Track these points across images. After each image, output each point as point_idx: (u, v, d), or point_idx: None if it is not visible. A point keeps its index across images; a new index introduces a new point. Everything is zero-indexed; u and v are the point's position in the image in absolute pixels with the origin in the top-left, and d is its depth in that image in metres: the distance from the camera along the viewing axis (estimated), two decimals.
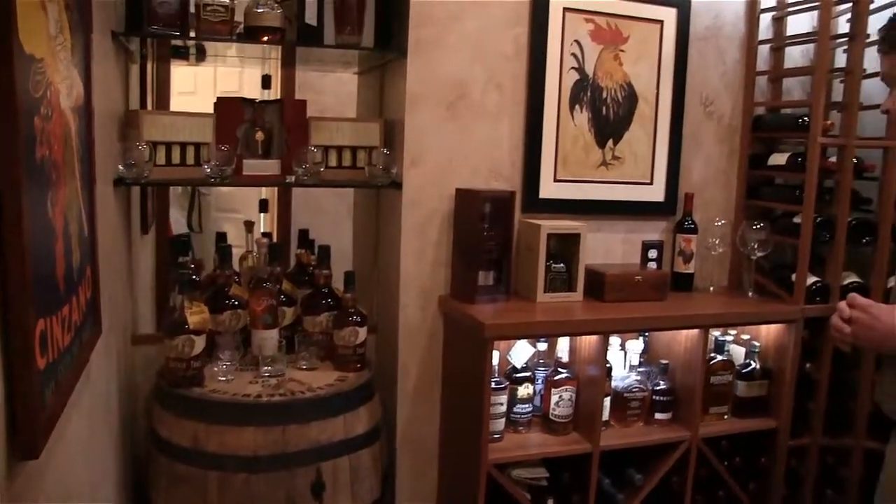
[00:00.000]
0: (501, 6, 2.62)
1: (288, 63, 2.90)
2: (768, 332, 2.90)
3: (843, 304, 1.73)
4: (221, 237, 2.68)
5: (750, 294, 2.89)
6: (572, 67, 2.74)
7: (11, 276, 0.99)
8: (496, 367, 2.46)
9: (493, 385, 2.42)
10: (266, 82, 2.77)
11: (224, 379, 2.26)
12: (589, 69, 2.76)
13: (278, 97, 2.80)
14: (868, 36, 2.73)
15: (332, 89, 3.12)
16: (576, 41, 2.73)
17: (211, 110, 2.50)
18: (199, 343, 2.20)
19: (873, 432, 2.83)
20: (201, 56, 2.84)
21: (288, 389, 2.23)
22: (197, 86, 3.25)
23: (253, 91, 2.83)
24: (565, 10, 2.68)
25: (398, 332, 2.64)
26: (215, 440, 2.10)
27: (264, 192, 3.06)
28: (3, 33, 0.92)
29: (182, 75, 2.92)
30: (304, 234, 2.77)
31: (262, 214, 3.02)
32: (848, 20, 2.78)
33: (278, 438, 2.11)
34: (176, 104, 2.83)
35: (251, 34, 2.37)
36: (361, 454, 2.27)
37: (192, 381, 2.20)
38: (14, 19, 0.93)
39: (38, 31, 1.09)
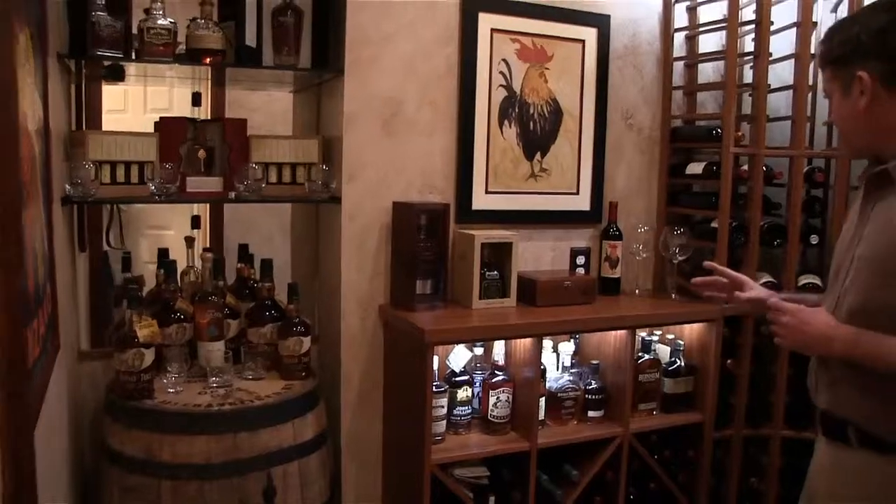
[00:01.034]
0: (433, 28, 2.75)
1: (218, 81, 2.94)
2: (691, 331, 3.06)
3: (776, 307, 1.73)
4: (164, 253, 2.72)
5: (673, 296, 3.05)
6: (501, 85, 2.88)
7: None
8: (436, 372, 2.56)
9: (434, 389, 2.52)
10: (196, 100, 2.80)
11: (173, 390, 2.32)
12: (516, 86, 2.91)
13: (209, 114, 2.86)
14: (770, 54, 2.94)
15: (262, 106, 3.16)
16: (503, 60, 2.87)
17: (142, 128, 2.55)
18: (149, 356, 2.26)
19: (790, 422, 3.03)
20: (120, 76, 2.82)
21: (237, 399, 2.30)
22: (127, 104, 3.27)
23: (184, 108, 2.86)
24: (493, 30, 2.82)
25: (340, 340, 2.72)
26: (168, 450, 2.15)
27: (196, 208, 3.08)
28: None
29: (112, 93, 2.92)
30: (243, 248, 2.83)
31: (195, 230, 3.04)
32: (753, 39, 3.00)
33: (230, 446, 2.18)
34: (106, 123, 2.85)
35: (193, 56, 2.44)
36: (310, 459, 2.35)
37: (142, 394, 2.25)
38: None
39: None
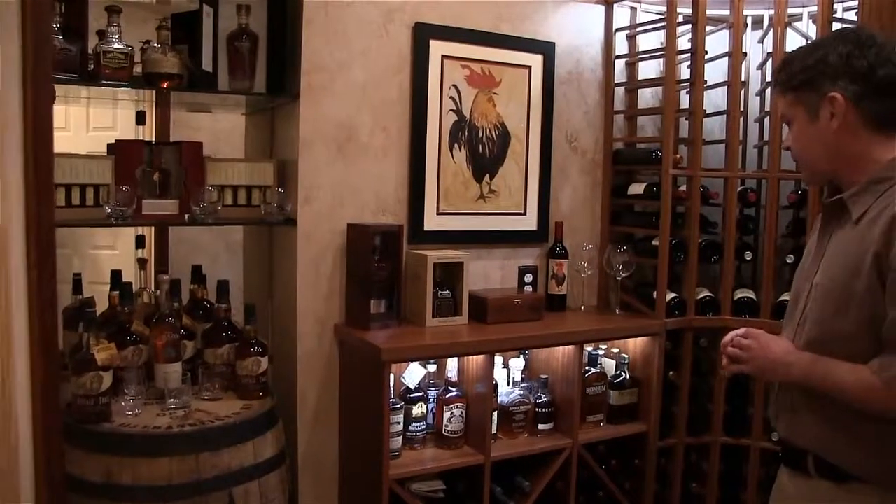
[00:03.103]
0: (386, 55, 2.83)
1: (163, 101, 2.96)
2: (635, 345, 3.18)
3: (736, 335, 1.77)
4: (116, 275, 2.71)
5: (617, 311, 3.18)
6: (451, 109, 2.97)
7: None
8: (391, 389, 2.62)
9: (390, 406, 2.57)
10: (140, 118, 2.81)
11: (132, 413, 2.33)
12: (466, 111, 3.00)
13: (153, 133, 2.87)
14: (706, 81, 3.11)
15: (207, 127, 3.20)
16: (454, 86, 2.96)
17: (85, 147, 2.56)
18: (107, 379, 2.26)
19: (729, 430, 3.18)
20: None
21: (196, 419, 2.32)
22: (69, 123, 3.25)
23: (128, 127, 2.86)
24: (444, 57, 2.92)
25: (297, 360, 2.76)
26: (129, 473, 2.16)
27: (142, 227, 3.07)
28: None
29: (53, 112, 2.91)
30: (197, 270, 2.85)
31: (139, 250, 3.04)
32: (689, 67, 3.16)
33: (192, 467, 2.19)
34: None
35: (150, 80, 2.46)
36: (270, 477, 2.38)
37: (100, 417, 2.25)
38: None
39: None
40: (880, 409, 1.51)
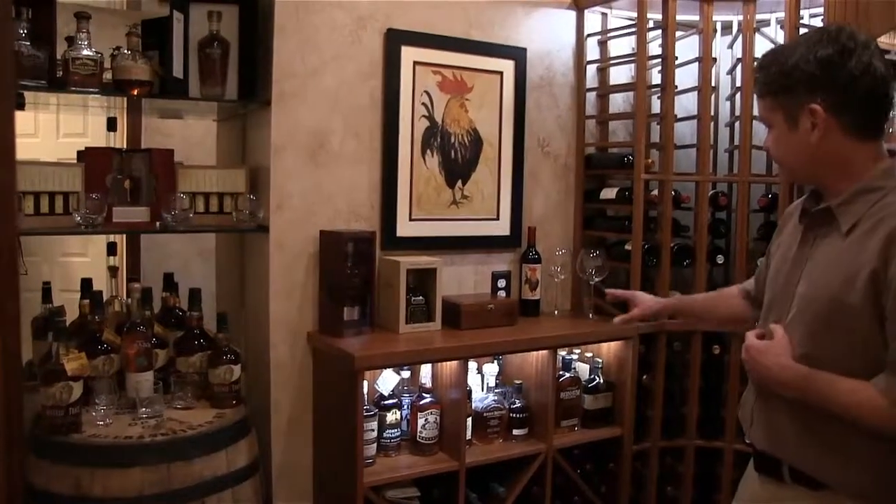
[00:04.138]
0: (358, 62, 2.83)
1: (135, 107, 2.94)
2: (609, 349, 3.19)
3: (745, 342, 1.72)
4: (87, 283, 2.69)
5: (591, 315, 3.18)
6: (423, 115, 2.98)
7: None
8: (365, 396, 2.62)
9: (363, 413, 2.56)
10: (111, 124, 2.77)
11: (103, 423, 2.30)
12: (438, 117, 3.01)
13: (125, 139, 2.85)
14: (676, 86, 3.13)
15: (179, 132, 3.19)
16: (426, 91, 2.97)
17: (55, 154, 2.53)
18: (77, 389, 2.24)
19: (702, 432, 3.20)
20: (19, 105, 2.78)
21: (169, 429, 2.30)
22: (38, 129, 3.22)
23: (98, 133, 2.82)
24: (415, 63, 2.92)
25: (270, 367, 2.75)
26: (99, 484, 2.13)
27: (113, 235, 3.05)
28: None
29: (22, 118, 2.86)
30: (169, 277, 2.82)
31: (111, 257, 3.01)
32: (660, 72, 3.18)
33: (164, 477, 2.17)
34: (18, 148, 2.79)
35: (120, 87, 2.44)
36: (244, 486, 2.37)
37: (70, 428, 2.22)
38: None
39: None
40: (891, 430, 1.46)
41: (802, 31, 2.93)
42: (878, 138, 1.59)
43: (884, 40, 2.97)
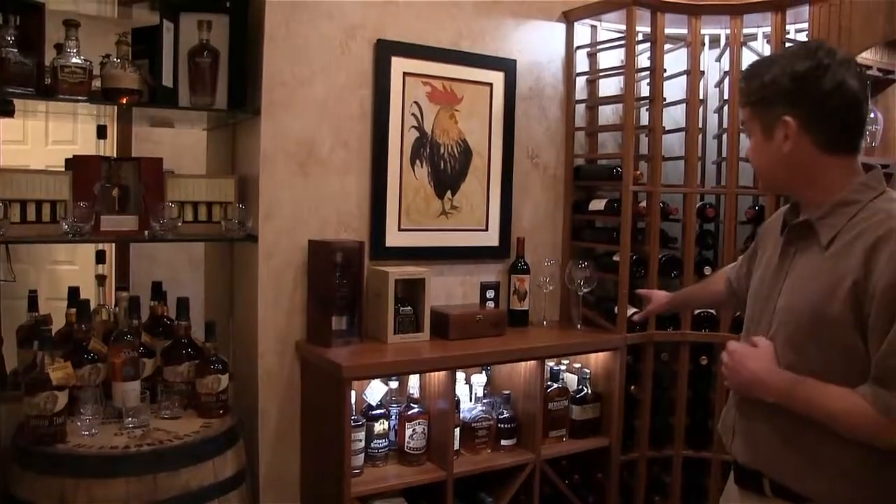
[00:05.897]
0: (347, 72, 2.84)
1: (125, 115, 2.92)
2: (597, 360, 3.20)
3: (727, 348, 1.74)
4: (74, 292, 2.67)
5: (579, 326, 3.20)
6: (413, 126, 2.98)
7: None
8: (353, 406, 2.61)
9: (351, 423, 2.56)
10: (101, 132, 2.78)
11: (88, 433, 2.28)
12: (427, 127, 3.02)
13: (115, 148, 2.83)
14: (665, 99, 3.15)
15: (169, 141, 3.17)
16: (415, 102, 2.98)
17: (44, 161, 2.51)
18: (63, 399, 2.21)
19: (690, 442, 3.21)
20: (9, 112, 2.77)
21: (155, 439, 2.28)
22: (27, 136, 3.21)
23: (88, 141, 2.81)
24: (405, 74, 2.93)
25: (257, 377, 2.74)
26: (84, 495, 2.10)
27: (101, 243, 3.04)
28: None
29: (10, 125, 2.85)
30: (157, 286, 2.81)
31: (100, 265, 3.00)
32: (648, 84, 3.21)
33: (150, 487, 2.15)
34: (5, 155, 2.78)
35: (109, 95, 2.44)
36: (230, 496, 2.34)
37: (55, 438, 2.20)
38: None
39: None
40: (883, 439, 1.47)
41: (788, 45, 2.96)
42: (851, 154, 1.61)
43: (867, 56, 3.01)
